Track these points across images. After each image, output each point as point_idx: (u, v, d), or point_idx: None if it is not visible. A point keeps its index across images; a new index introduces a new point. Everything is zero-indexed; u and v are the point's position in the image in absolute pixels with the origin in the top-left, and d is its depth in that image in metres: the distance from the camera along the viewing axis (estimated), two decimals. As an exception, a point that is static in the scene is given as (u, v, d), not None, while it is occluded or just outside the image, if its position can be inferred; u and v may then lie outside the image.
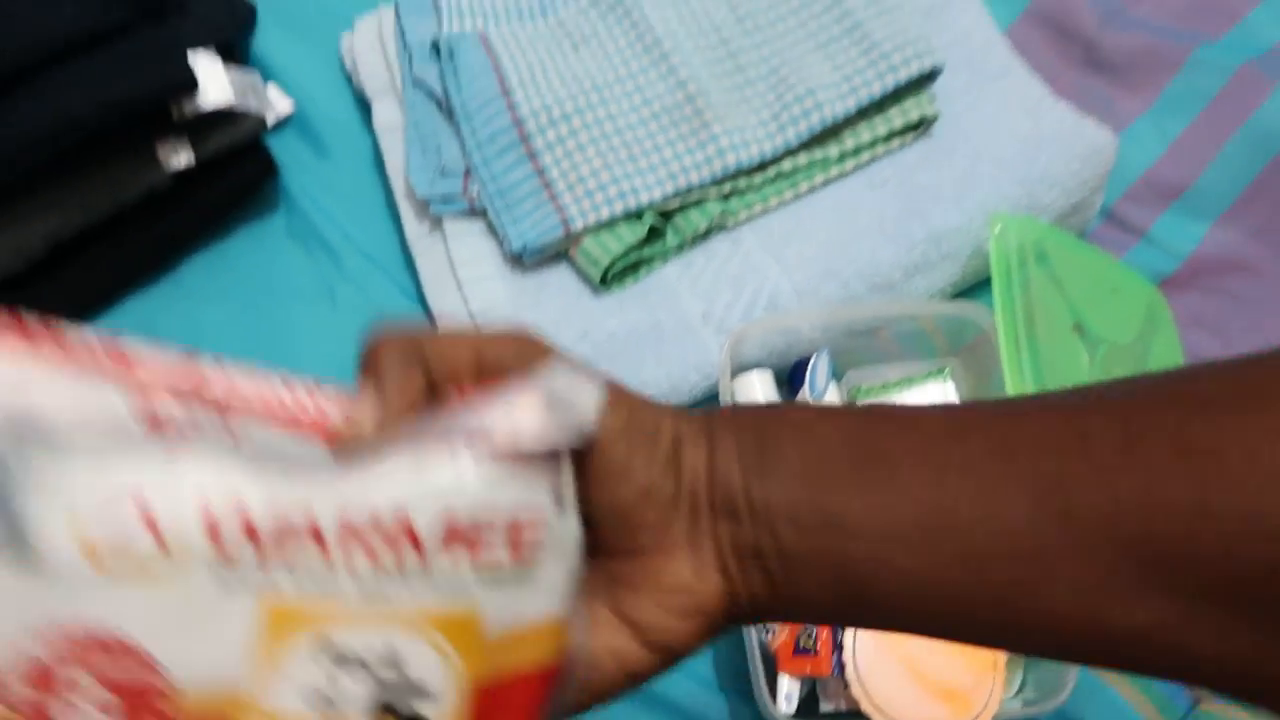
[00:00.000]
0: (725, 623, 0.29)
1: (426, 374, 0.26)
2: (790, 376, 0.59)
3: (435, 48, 0.63)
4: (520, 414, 0.25)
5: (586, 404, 0.25)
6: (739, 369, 0.58)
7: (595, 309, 0.59)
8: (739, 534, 0.27)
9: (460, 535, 0.25)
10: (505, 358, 0.27)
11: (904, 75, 0.59)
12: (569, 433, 0.25)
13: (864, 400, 0.58)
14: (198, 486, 0.23)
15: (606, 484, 0.27)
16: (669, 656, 0.29)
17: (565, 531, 0.27)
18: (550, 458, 0.26)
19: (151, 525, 0.23)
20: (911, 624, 0.27)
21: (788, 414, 0.28)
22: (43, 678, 0.23)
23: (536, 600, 0.27)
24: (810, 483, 0.26)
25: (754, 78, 0.61)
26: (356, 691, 0.25)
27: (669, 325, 0.58)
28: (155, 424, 0.25)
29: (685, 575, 0.28)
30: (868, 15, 0.61)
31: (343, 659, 0.25)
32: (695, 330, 0.58)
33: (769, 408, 0.29)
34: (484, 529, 0.25)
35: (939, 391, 0.58)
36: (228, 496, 0.23)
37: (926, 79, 0.61)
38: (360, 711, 0.25)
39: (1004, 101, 0.63)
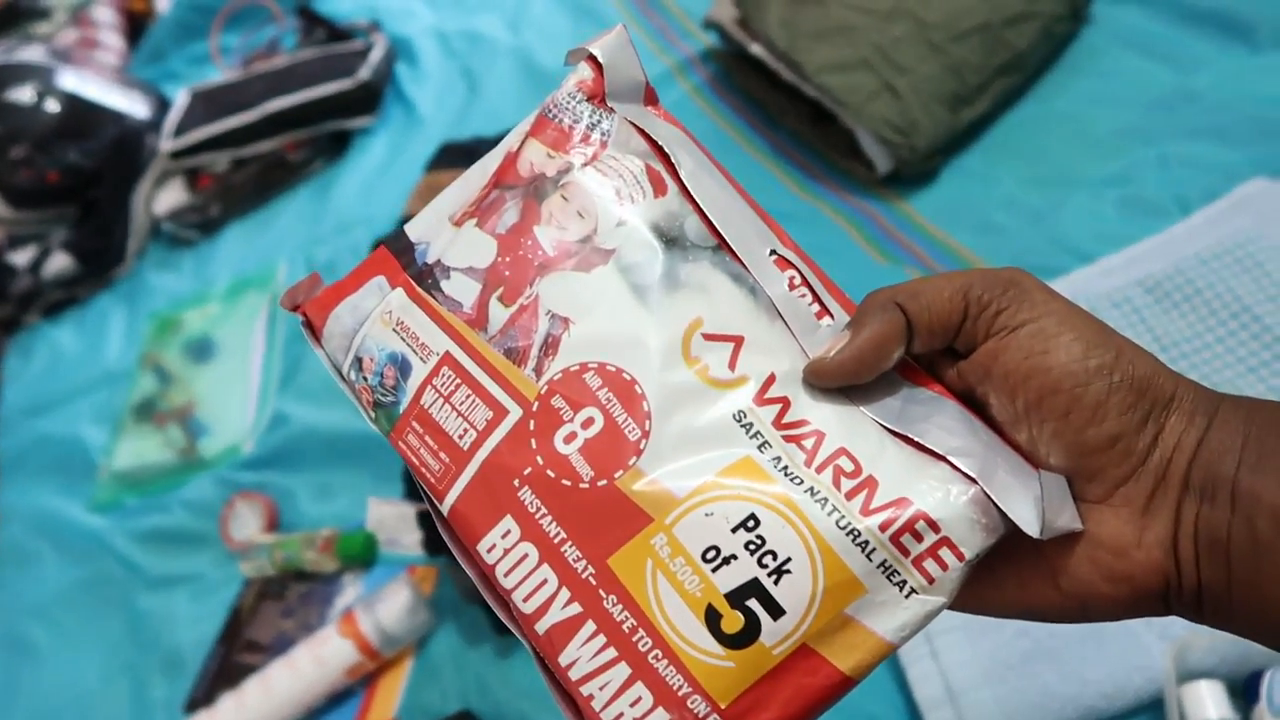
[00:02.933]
0: (1154, 606, 0.27)
1: (907, 315, 0.28)
2: (1245, 688, 0.58)
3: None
4: (1017, 499, 0.27)
5: (1067, 521, 0.27)
6: (1186, 677, 0.59)
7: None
8: (1210, 517, 0.25)
9: (906, 528, 0.27)
10: (990, 294, 0.28)
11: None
12: (1040, 531, 0.27)
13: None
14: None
15: (1074, 421, 0.26)
16: (1080, 611, 0.28)
17: (956, 588, 0.28)
18: (1007, 522, 0.27)
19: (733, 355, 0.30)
20: None
21: None
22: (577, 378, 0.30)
23: (896, 620, 0.28)
24: None
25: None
26: (741, 563, 0.28)
27: (1109, 627, 0.61)
28: (781, 264, 0.31)
29: (1126, 538, 0.26)
30: (1300, 338, 0.65)
31: (750, 530, 0.28)
32: (1137, 634, 0.60)
33: None
34: (919, 534, 0.27)
35: None
36: (791, 375, 0.30)
37: (1374, 396, 0.62)
38: (730, 583, 0.28)
39: None
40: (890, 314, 0.28)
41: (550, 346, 0.31)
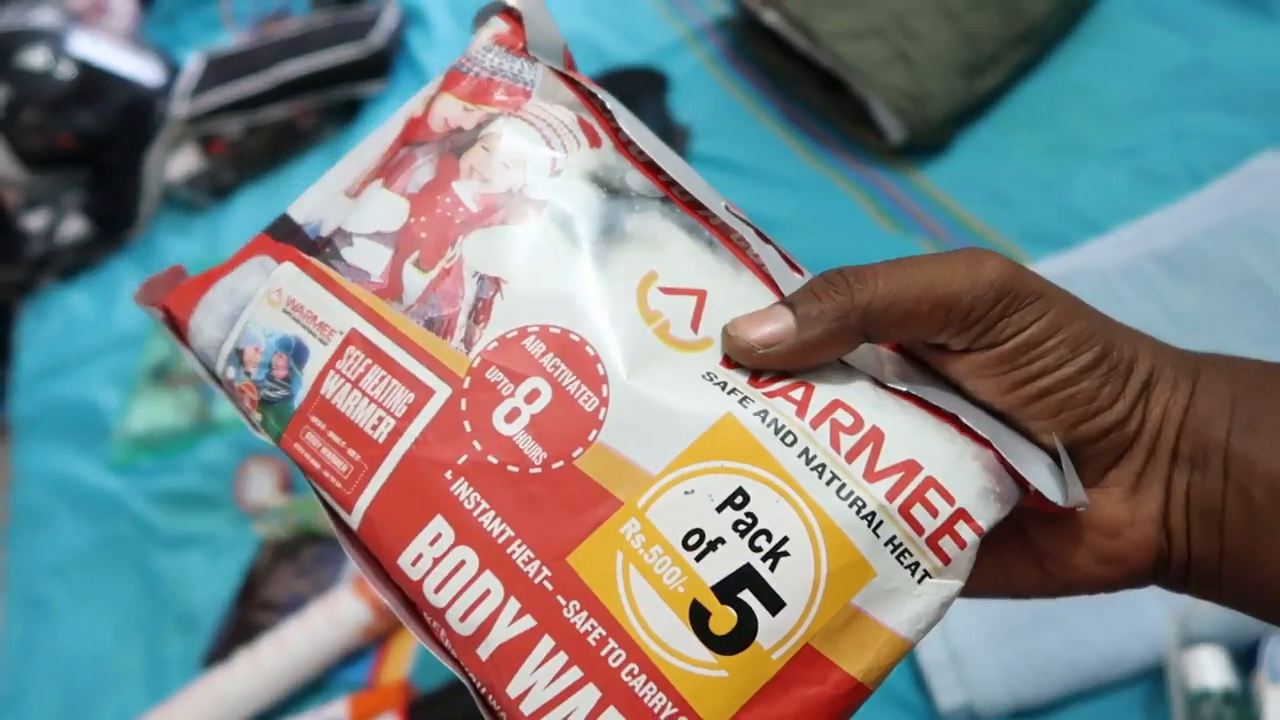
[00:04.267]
0: (1141, 580, 0.27)
1: (863, 310, 0.24)
2: (1247, 655, 0.59)
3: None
4: (1032, 467, 0.24)
5: (1080, 495, 0.24)
6: (1188, 643, 0.59)
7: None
8: (1203, 486, 0.25)
9: (916, 497, 0.24)
10: (979, 310, 0.24)
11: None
12: (1064, 499, 0.24)
13: (1336, 689, 0.57)
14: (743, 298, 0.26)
15: (1065, 419, 0.25)
16: (1060, 590, 0.27)
17: (970, 568, 0.25)
18: (1020, 493, 0.25)
19: (698, 314, 0.26)
20: None
21: None
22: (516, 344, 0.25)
23: (909, 610, 0.24)
24: None
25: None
26: (730, 548, 0.23)
27: (1113, 594, 0.62)
28: (740, 218, 0.28)
29: (1119, 519, 0.26)
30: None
31: (738, 507, 0.24)
32: (1140, 600, 0.61)
33: (1274, 365, 0.26)
34: (931, 507, 0.24)
35: None
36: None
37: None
38: (717, 573, 0.23)
39: None
40: (850, 338, 0.25)
41: (481, 313, 0.26)
